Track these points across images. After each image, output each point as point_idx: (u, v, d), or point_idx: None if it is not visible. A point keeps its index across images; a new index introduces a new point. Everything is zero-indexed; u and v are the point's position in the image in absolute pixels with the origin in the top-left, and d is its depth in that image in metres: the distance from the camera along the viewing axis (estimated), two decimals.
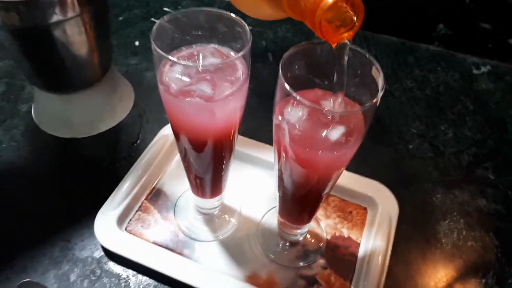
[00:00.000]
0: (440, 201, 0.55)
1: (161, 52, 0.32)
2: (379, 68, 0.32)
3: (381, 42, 0.76)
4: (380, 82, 0.31)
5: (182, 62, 0.33)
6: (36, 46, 0.48)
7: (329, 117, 0.33)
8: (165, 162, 0.56)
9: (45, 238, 0.49)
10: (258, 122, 0.62)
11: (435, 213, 0.54)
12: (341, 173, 0.39)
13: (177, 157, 0.57)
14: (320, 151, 0.33)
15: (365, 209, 0.53)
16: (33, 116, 0.61)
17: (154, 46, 0.33)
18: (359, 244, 0.50)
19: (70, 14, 0.46)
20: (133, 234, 0.49)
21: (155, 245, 0.48)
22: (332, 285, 0.47)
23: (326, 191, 0.41)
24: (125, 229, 0.50)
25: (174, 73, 0.35)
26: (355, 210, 0.53)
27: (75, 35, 0.49)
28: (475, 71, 0.73)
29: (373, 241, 0.49)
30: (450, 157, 0.60)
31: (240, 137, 0.58)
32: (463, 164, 0.60)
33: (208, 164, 0.42)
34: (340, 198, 0.54)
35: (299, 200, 0.43)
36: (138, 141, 0.59)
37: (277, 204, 0.46)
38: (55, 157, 0.57)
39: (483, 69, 0.73)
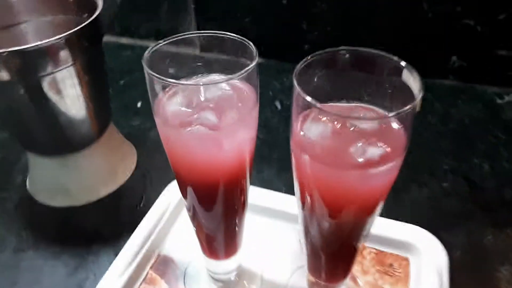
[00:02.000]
0: (492, 242, 0.48)
1: (156, 75, 0.28)
2: (410, 69, 0.27)
3: None
4: (416, 85, 0.26)
5: (182, 82, 0.29)
6: (26, 102, 0.44)
7: (358, 131, 0.27)
8: (171, 224, 0.50)
9: None
10: (272, 172, 0.57)
11: (491, 257, 0.46)
12: (377, 212, 0.32)
13: (184, 216, 0.51)
14: (348, 171, 0.27)
15: (406, 259, 0.46)
16: (27, 187, 0.56)
17: (147, 69, 0.28)
18: None
19: (61, 64, 0.43)
20: None
21: None
22: None
23: (361, 237, 0.34)
24: None
25: (173, 104, 0.30)
26: (396, 262, 0.45)
27: (67, 87, 0.45)
28: (499, 101, 0.68)
29: None
30: (490, 192, 0.53)
31: (254, 188, 0.52)
32: (507, 199, 0.52)
33: (220, 215, 0.36)
34: (377, 250, 0.47)
35: (331, 252, 0.36)
36: (142, 204, 0.53)
37: (305, 261, 0.39)
38: (50, 228, 0.51)
39: (506, 98, 0.68)
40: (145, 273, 0.45)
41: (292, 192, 0.46)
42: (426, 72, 0.71)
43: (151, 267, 0.46)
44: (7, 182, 0.57)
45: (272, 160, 0.59)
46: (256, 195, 0.51)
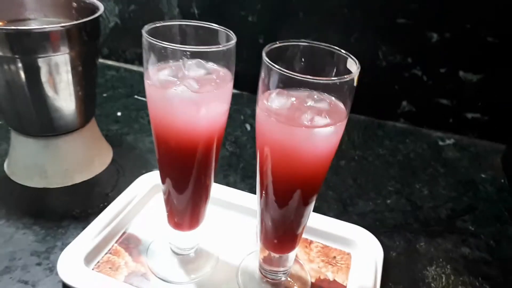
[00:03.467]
0: (424, 248, 0.54)
1: (152, 40, 0.34)
2: (353, 58, 0.34)
3: (351, 120, 0.81)
4: (355, 67, 0.33)
5: (172, 45, 0.35)
6: (21, 79, 0.49)
7: (311, 107, 0.34)
8: (139, 209, 0.54)
9: (4, 273, 0.44)
10: (237, 178, 0.62)
11: (421, 259, 0.52)
12: (325, 173, 0.38)
13: (151, 204, 0.55)
14: (299, 128, 0.33)
15: (348, 254, 0.51)
16: (5, 168, 0.60)
17: (145, 36, 0.35)
18: (345, 287, 0.47)
19: (59, 50, 0.49)
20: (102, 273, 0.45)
21: (124, 284, 0.44)
22: None
23: (311, 199, 0.40)
24: (92, 269, 0.45)
25: (162, 73, 0.37)
26: (339, 255, 0.51)
27: (61, 72, 0.51)
28: (441, 143, 0.77)
29: (359, 285, 0.46)
30: (428, 210, 0.60)
31: (218, 185, 0.57)
32: (442, 217, 0.60)
33: (190, 182, 0.41)
34: (323, 244, 0.52)
35: (282, 212, 0.41)
36: (113, 191, 0.57)
37: (257, 227, 0.44)
38: (24, 205, 0.54)
39: (447, 141, 0.78)
40: (110, 245, 0.49)
41: (252, 193, 0.53)
42: (380, 114, 0.81)
43: (116, 241, 0.50)
44: None
45: (238, 168, 0.65)
46: (221, 191, 0.56)
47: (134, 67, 0.95)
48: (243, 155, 0.68)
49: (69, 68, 0.52)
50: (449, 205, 0.62)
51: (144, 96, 0.82)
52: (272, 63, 0.33)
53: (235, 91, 0.84)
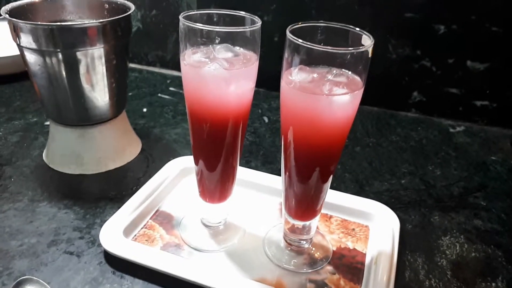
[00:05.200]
0: (439, 221, 0.57)
1: (189, 23, 0.39)
2: (367, 33, 0.38)
3: (363, 111, 0.85)
4: (369, 41, 0.37)
5: (207, 27, 0.39)
6: (62, 71, 0.54)
7: (331, 80, 0.38)
8: (170, 190, 0.58)
9: (51, 246, 0.49)
10: (258, 164, 0.66)
11: (435, 231, 0.55)
12: (342, 143, 0.42)
13: (181, 185, 0.60)
14: (320, 96, 0.37)
15: (366, 226, 0.54)
16: (44, 158, 0.64)
17: (182, 20, 0.39)
18: (365, 254, 0.50)
19: (95, 44, 0.54)
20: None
21: (161, 251, 0.48)
22: None
23: (329, 173, 0.44)
24: (131, 240, 0.50)
25: (196, 55, 0.41)
26: (357, 228, 0.54)
27: (96, 65, 0.56)
28: (451, 130, 0.81)
29: (378, 251, 0.50)
30: (441, 189, 0.64)
31: (243, 168, 0.61)
32: (455, 194, 0.63)
33: (219, 156, 0.45)
34: (342, 218, 0.55)
35: (304, 188, 0.45)
36: (145, 176, 0.62)
37: (282, 203, 0.48)
38: (63, 189, 0.59)
39: (458, 129, 0.81)
40: (145, 221, 0.53)
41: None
42: (392, 104, 0.85)
43: (150, 218, 0.54)
44: (25, 156, 0.65)
45: (259, 155, 0.69)
46: (245, 173, 0.60)
47: (156, 69, 1.00)
48: (263, 144, 0.72)
49: (104, 61, 0.57)
50: (461, 184, 0.65)
51: (168, 94, 0.87)
52: (296, 38, 0.37)
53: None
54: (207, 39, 0.41)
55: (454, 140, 0.77)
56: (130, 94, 0.87)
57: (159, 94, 0.88)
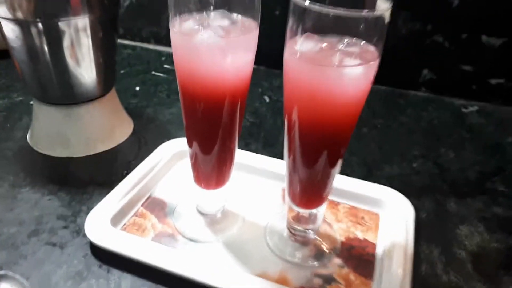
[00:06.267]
0: (455, 209, 0.53)
1: None
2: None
3: (370, 90, 0.79)
4: (385, 5, 0.32)
5: None
6: (42, 44, 0.49)
7: (340, 46, 0.33)
8: (163, 174, 0.54)
9: (32, 236, 0.44)
10: (259, 146, 0.62)
11: (452, 219, 0.51)
12: (354, 123, 0.37)
13: (175, 169, 0.55)
14: (330, 67, 0.32)
15: (376, 214, 0.50)
16: (28, 139, 0.60)
17: None
18: (375, 245, 0.46)
19: (79, 13, 0.48)
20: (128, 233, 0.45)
21: (152, 242, 0.43)
22: (352, 283, 0.42)
23: (338, 156, 0.39)
24: (119, 230, 0.45)
25: (187, 23, 0.36)
26: (367, 215, 0.50)
27: (81, 37, 0.50)
28: (464, 110, 0.76)
29: (391, 242, 0.45)
30: (456, 173, 0.59)
31: (243, 151, 0.57)
32: (471, 179, 0.58)
33: (215, 137, 0.40)
34: (350, 206, 0.51)
35: (310, 172, 0.40)
36: (136, 159, 0.57)
37: (286, 188, 0.43)
38: (48, 173, 0.54)
39: (471, 108, 0.76)
40: (136, 208, 0.49)
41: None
42: (401, 83, 0.80)
43: (141, 205, 0.49)
44: (8, 137, 0.61)
45: (260, 137, 0.64)
46: (244, 156, 0.56)
47: (150, 46, 0.95)
48: (263, 125, 0.68)
49: (90, 34, 0.51)
50: (477, 168, 0.60)
51: (162, 72, 0.82)
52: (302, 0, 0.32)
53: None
54: (199, 3, 0.36)
55: (467, 121, 0.72)
56: (122, 72, 0.82)
57: (153, 72, 0.83)
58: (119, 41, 0.95)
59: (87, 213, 0.46)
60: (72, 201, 0.50)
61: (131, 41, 0.96)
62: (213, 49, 0.35)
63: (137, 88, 0.76)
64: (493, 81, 0.76)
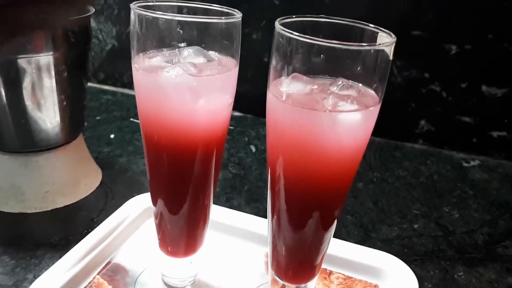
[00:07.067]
0: (465, 279, 0.46)
1: (142, 10, 0.28)
2: (384, 30, 0.28)
3: None
4: (388, 39, 0.27)
5: (166, 15, 0.29)
6: None
7: (334, 89, 0.28)
8: (128, 235, 0.46)
9: None
10: (242, 202, 0.55)
11: None
12: (351, 179, 0.31)
13: (143, 229, 0.48)
14: (324, 113, 0.26)
15: (376, 286, 0.43)
16: None
17: (134, 8, 0.29)
18: None
19: (42, 50, 0.43)
20: None
21: None
22: None
23: (332, 218, 0.32)
24: None
25: (154, 60, 0.30)
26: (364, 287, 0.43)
27: (45, 77, 0.45)
28: (465, 164, 0.70)
29: None
30: (462, 236, 0.53)
31: (220, 207, 0.50)
32: (480, 243, 0.52)
33: (185, 194, 0.34)
34: (345, 275, 0.44)
35: (298, 237, 0.33)
36: (100, 216, 0.50)
37: (268, 255, 0.36)
38: None
39: (472, 163, 0.71)
40: (91, 277, 0.41)
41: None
42: (397, 135, 0.75)
43: (98, 273, 0.42)
44: None
45: (243, 191, 0.58)
46: (223, 213, 0.49)
47: (131, 92, 0.90)
48: (248, 177, 0.61)
49: (53, 73, 0.46)
50: (485, 230, 0.54)
51: None
52: (288, 30, 0.26)
53: (239, 113, 0.79)
54: (168, 38, 0.30)
55: (470, 176, 0.67)
56: (97, 118, 0.76)
57: (131, 119, 0.77)
58: (99, 86, 0.90)
59: (31, 282, 0.38)
60: (17, 268, 0.42)
61: (112, 87, 0.91)
62: (182, 89, 0.29)
63: (112, 136, 0.70)
64: (495, 134, 0.71)
